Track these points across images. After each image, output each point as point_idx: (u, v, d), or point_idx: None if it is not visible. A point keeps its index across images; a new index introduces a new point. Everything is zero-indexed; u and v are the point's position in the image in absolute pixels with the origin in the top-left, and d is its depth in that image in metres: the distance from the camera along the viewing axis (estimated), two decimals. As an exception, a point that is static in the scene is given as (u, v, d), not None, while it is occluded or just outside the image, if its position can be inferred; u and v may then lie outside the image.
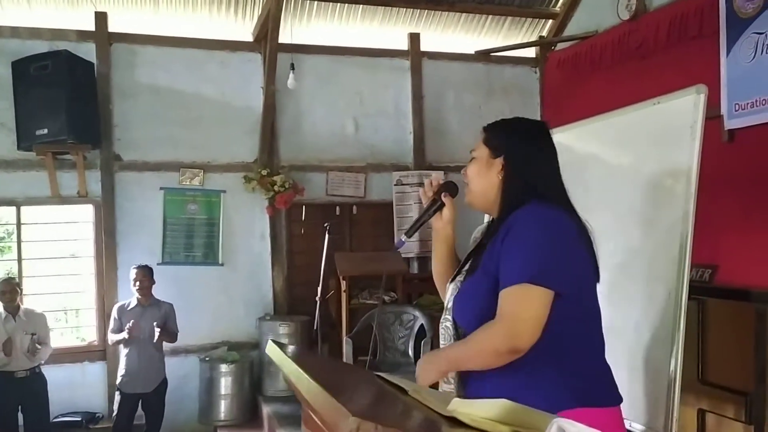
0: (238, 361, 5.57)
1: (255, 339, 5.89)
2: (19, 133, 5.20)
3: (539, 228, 1.58)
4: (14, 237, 5.64)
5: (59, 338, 5.63)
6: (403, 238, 1.89)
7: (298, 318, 5.71)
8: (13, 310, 4.95)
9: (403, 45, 6.56)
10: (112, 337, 5.05)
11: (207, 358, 5.61)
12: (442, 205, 1.89)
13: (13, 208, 5.53)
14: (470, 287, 1.71)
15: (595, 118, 2.88)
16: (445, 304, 1.81)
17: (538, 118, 6.80)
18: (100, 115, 5.56)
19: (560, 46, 6.69)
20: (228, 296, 5.96)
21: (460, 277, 1.81)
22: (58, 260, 5.82)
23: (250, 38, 6.10)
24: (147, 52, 5.84)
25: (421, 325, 5.09)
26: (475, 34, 6.72)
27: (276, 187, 5.80)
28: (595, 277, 1.71)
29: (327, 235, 4.83)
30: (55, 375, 5.23)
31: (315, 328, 5.02)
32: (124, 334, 4.83)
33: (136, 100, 5.78)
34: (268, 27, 5.60)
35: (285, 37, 6.15)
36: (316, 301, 4.98)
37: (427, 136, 6.57)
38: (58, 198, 5.56)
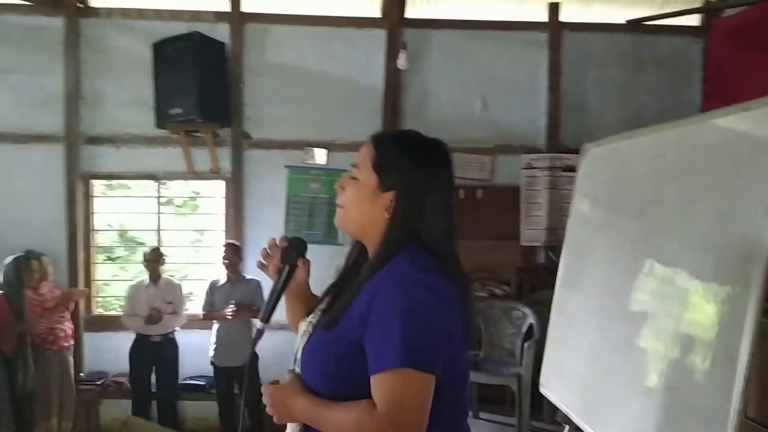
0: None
1: (371, 320, 5.86)
2: (156, 111, 5.52)
3: (415, 301, 1.31)
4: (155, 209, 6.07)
5: (191, 306, 5.99)
6: (259, 325, 1.59)
7: (412, 303, 5.57)
8: (155, 278, 5.36)
9: (542, 17, 6.06)
10: (204, 314, 5.30)
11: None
12: (294, 269, 1.62)
13: (155, 182, 5.95)
14: (321, 345, 1.45)
15: (685, 121, 2.37)
16: (294, 350, 1.54)
17: (697, 96, 6.12)
18: (230, 95, 5.75)
19: (729, 12, 5.80)
20: (346, 276, 5.96)
21: (313, 318, 1.54)
22: (192, 232, 6.18)
23: (378, 14, 5.95)
24: (277, 31, 5.91)
25: (531, 324, 4.74)
26: (624, 2, 6.02)
27: (396, 169, 5.65)
28: (468, 343, 1.47)
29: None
30: (187, 340, 5.59)
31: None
32: (225, 314, 5.11)
33: (265, 78, 5.89)
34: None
35: (415, 11, 5.95)
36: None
37: (563, 116, 6.05)
38: (192, 173, 5.87)
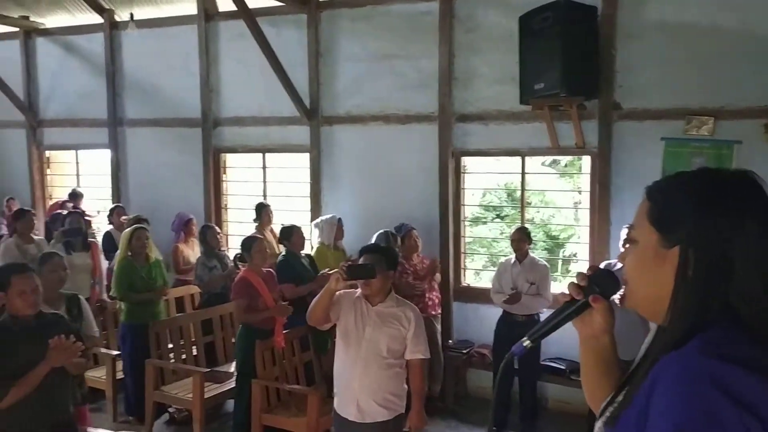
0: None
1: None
2: (521, 87, 5.38)
3: (699, 412, 0.92)
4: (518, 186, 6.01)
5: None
6: (525, 343, 1.28)
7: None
8: (521, 257, 5.31)
9: None
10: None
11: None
12: (585, 307, 1.23)
13: (518, 159, 5.88)
14: None
15: None
16: None
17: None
18: (598, 64, 5.28)
19: None
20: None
21: (609, 411, 1.16)
22: (560, 210, 5.96)
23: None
24: (660, -16, 5.20)
25: None
26: None
27: (808, 140, 4.50)
28: None
29: None
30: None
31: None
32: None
33: (641, 41, 5.26)
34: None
35: None
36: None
37: None
38: (557, 149, 5.62)
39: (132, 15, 6.87)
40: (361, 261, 3.43)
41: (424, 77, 6.11)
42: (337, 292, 3.35)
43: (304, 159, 6.90)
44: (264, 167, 7.28)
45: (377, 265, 3.33)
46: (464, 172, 6.21)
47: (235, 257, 5.79)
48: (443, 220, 6.10)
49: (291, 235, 5.40)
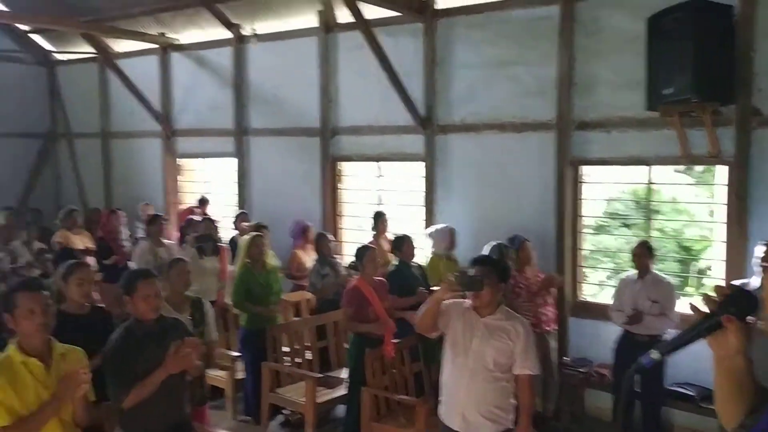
0: None
1: None
2: (648, 92, 5.06)
3: None
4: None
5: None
6: (653, 355, 1.34)
7: None
8: (642, 273, 4.99)
9: None
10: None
11: None
12: (718, 326, 1.26)
13: (646, 168, 5.54)
14: None
15: None
16: None
17: None
18: (735, 68, 4.87)
19: None
20: None
21: None
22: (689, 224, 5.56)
23: None
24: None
25: None
26: None
27: None
28: None
29: None
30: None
31: None
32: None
33: (784, 41, 4.81)
34: None
35: None
36: None
37: None
38: (687, 158, 5.24)
39: (254, 30, 7.15)
40: (471, 272, 3.38)
41: (542, 84, 5.92)
42: (447, 301, 3.32)
43: (418, 168, 6.89)
44: (379, 176, 7.35)
45: (487, 277, 3.27)
46: (583, 182, 5.95)
47: (349, 265, 5.88)
48: (560, 232, 5.87)
49: (402, 244, 5.40)
